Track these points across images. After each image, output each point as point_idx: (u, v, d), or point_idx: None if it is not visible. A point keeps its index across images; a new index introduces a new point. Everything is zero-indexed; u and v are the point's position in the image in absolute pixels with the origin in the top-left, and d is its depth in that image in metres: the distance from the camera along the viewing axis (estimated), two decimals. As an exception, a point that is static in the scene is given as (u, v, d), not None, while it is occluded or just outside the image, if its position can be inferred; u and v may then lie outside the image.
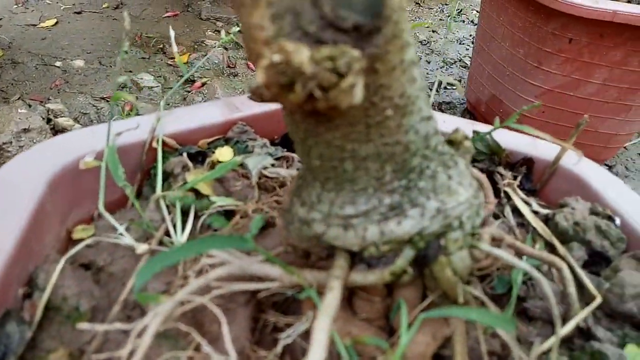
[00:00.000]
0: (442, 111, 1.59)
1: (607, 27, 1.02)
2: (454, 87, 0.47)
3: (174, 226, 0.45)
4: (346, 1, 0.19)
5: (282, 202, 0.35)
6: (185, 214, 0.48)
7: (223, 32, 1.81)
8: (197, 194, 0.49)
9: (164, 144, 0.53)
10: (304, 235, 0.31)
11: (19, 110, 1.17)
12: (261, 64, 0.21)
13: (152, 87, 1.44)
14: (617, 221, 0.50)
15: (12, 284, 0.37)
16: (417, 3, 2.24)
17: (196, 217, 0.47)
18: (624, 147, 1.46)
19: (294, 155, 0.58)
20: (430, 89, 1.51)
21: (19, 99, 1.31)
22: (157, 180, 0.48)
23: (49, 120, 1.25)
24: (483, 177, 0.46)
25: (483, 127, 0.60)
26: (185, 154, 0.51)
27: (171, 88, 1.46)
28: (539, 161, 0.58)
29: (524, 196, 0.56)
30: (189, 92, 1.47)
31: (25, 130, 1.12)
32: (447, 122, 0.61)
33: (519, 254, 0.39)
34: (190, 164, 0.50)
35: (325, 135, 0.26)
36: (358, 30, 0.20)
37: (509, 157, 0.59)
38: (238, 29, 0.70)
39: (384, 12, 0.20)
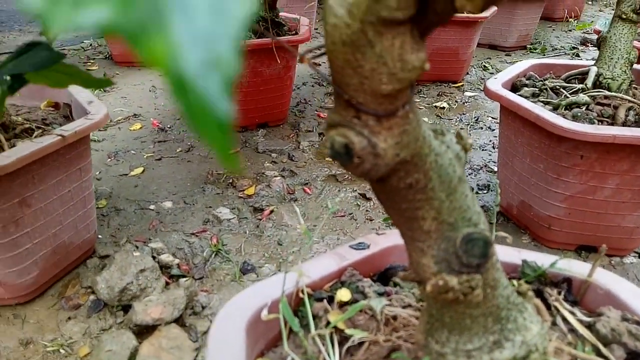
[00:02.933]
0: (479, 214, 1.80)
1: (610, 146, 1.25)
2: (506, 238, 0.65)
3: (329, 355, 0.65)
4: (472, 255, 0.42)
5: (416, 339, 0.55)
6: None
7: (280, 164, 2.11)
8: (336, 328, 0.70)
9: (302, 292, 0.75)
10: (440, 362, 0.51)
11: (134, 254, 1.43)
12: (429, 282, 0.44)
13: (229, 219, 1.70)
14: (643, 325, 0.68)
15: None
16: (437, 116, 2.56)
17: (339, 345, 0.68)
18: (650, 234, 1.62)
19: (392, 289, 0.79)
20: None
21: (126, 242, 1.58)
22: (309, 322, 0.69)
23: (153, 258, 1.51)
24: (538, 302, 0.66)
25: (529, 255, 0.80)
26: (325, 300, 0.73)
27: (246, 218, 1.73)
28: (575, 279, 0.77)
29: (569, 307, 0.75)
30: (260, 219, 1.73)
31: (142, 271, 1.37)
32: (500, 253, 0.82)
33: (575, 358, 0.58)
34: (329, 307, 0.72)
35: (455, 307, 0.48)
36: (478, 265, 0.42)
37: (551, 278, 0.78)
38: (331, 210, 0.95)
39: (489, 255, 0.42)
